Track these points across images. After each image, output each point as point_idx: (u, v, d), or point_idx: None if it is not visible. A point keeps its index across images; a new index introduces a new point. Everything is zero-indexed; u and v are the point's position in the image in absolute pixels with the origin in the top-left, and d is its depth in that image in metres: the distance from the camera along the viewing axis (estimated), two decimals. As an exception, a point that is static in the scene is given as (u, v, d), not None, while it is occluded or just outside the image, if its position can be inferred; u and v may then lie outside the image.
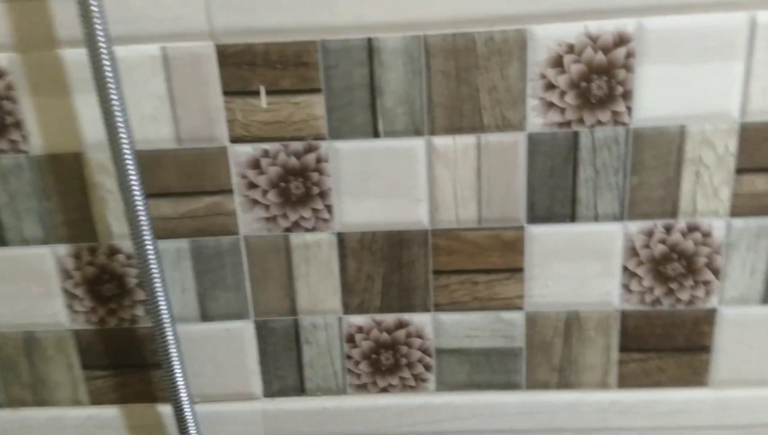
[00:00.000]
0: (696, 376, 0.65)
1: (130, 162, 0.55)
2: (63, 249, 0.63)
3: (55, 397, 0.68)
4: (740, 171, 0.58)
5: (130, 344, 0.66)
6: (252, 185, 0.61)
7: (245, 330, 0.66)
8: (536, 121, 0.57)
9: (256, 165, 0.60)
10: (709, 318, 0.63)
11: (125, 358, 0.67)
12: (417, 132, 0.58)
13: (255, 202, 0.61)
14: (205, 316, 0.65)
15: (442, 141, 0.58)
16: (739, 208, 0.59)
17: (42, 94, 0.58)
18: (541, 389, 0.67)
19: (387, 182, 0.60)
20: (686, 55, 0.55)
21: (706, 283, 0.61)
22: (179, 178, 0.61)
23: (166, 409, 0.69)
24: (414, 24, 0.55)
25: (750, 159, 0.57)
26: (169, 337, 0.61)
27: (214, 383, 0.68)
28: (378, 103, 0.58)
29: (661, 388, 0.66)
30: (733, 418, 0.66)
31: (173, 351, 0.62)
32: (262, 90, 0.58)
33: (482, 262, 0.62)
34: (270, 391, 0.68)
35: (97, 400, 0.68)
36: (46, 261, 0.63)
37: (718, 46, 0.54)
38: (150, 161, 0.60)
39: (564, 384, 0.66)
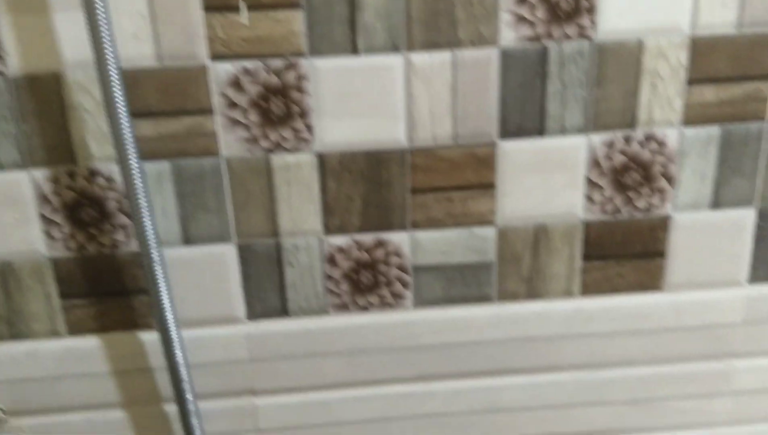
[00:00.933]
0: (652, 281, 0.70)
1: (116, 80, 0.55)
2: (41, 173, 0.62)
3: (32, 329, 0.67)
4: (691, 82, 0.63)
5: (110, 271, 0.66)
6: (233, 105, 0.62)
7: (228, 253, 0.67)
8: (509, 35, 0.61)
9: (236, 84, 0.61)
10: (663, 224, 0.68)
11: (105, 285, 0.67)
12: (395, 48, 0.61)
13: (236, 122, 0.62)
14: (188, 240, 0.66)
15: (419, 57, 0.61)
16: (691, 118, 0.64)
17: (19, 12, 0.57)
18: (511, 300, 0.71)
19: (366, 101, 0.62)
20: (644, -28, 0.59)
21: (661, 190, 0.67)
22: (160, 97, 0.61)
23: (147, 337, 0.69)
24: (393, -59, 0.57)
25: (700, 70, 0.62)
26: (155, 261, 0.62)
27: (197, 308, 0.68)
28: (357, 18, 0.60)
29: (620, 294, 0.71)
30: (687, 320, 0.72)
31: (159, 275, 0.62)
32: (243, 5, 0.59)
33: (457, 178, 0.66)
34: (253, 314, 0.69)
35: (75, 330, 0.68)
36: (22, 186, 0.62)
37: (672, -36, 0.59)
38: (130, 80, 0.60)
39: (532, 294, 0.70)
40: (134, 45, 0.59)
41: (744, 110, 0.64)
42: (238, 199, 0.65)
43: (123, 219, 0.65)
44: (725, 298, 0.71)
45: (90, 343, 0.68)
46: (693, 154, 0.65)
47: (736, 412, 0.75)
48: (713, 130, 0.65)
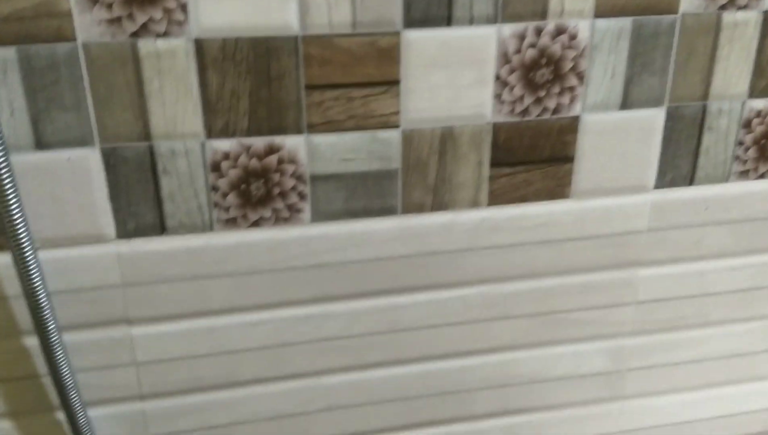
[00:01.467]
0: (560, 188, 0.67)
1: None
2: None
3: None
4: (605, -31, 0.59)
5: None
6: (89, -22, 0.52)
7: (90, 159, 0.57)
8: None
9: (92, -49, 0.51)
10: (572, 126, 0.65)
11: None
12: None
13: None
14: (41, 144, 0.56)
15: (312, -73, 0.53)
16: (602, 8, 0.60)
17: None
18: (416, 212, 0.66)
19: (251, -23, 0.54)
20: None
21: (571, 89, 0.63)
22: (-6, -36, 0.50)
23: (-4, 261, 0.59)
24: None
25: (614, -44, 0.58)
26: (2, 169, 0.52)
27: (57, 225, 0.59)
28: None
29: (527, 203, 0.67)
30: (593, 229, 0.70)
31: (9, 186, 0.52)
32: None
33: (358, 73, 0.59)
34: (125, 232, 0.60)
35: None
36: None
37: None
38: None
39: (438, 205, 0.66)
40: None
41: (656, 2, 0.61)
42: (100, 95, 0.55)
43: (-46, 116, 0.53)
44: (631, 205, 0.69)
45: None
46: (604, 48, 0.62)
47: (640, 322, 0.75)
48: (625, 23, 0.61)
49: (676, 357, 0.77)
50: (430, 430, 0.76)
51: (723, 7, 0.62)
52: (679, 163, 0.68)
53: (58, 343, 0.59)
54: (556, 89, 0.63)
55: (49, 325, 0.58)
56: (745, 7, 0.63)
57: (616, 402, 0.79)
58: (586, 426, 0.79)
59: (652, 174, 0.68)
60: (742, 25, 0.63)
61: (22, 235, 0.55)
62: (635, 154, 0.67)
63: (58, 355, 0.60)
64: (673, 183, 0.69)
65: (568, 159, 0.66)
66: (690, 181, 0.69)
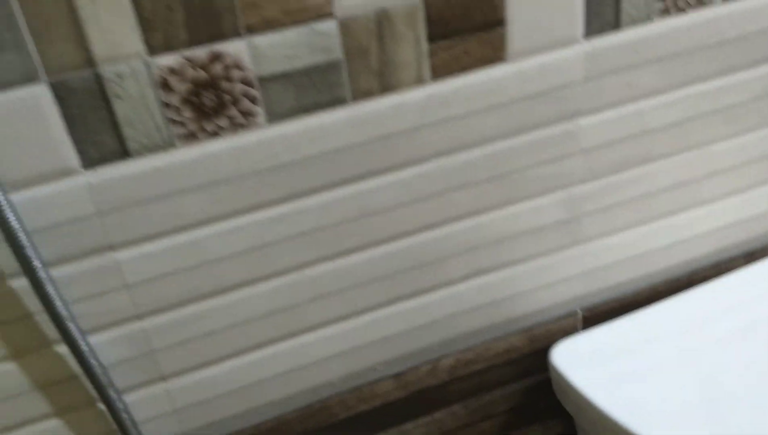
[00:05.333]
0: (496, 53, 0.70)
1: None
2: None
3: None
4: None
5: None
6: None
7: (40, 95, 0.58)
8: None
9: None
10: (500, -10, 0.67)
11: None
12: None
13: (9, -70, 0.52)
14: (-13, 87, 0.56)
15: None
16: None
17: None
18: (366, 98, 0.68)
19: None
20: None
21: (493, -47, 0.65)
22: None
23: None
24: None
25: None
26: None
27: (21, 165, 0.60)
28: None
29: (468, 72, 0.70)
30: (533, 87, 0.73)
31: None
32: None
33: (284, -32, 0.60)
34: (89, 162, 0.62)
35: None
36: None
37: None
38: None
39: (385, 88, 0.68)
40: None
41: None
42: (37, 29, 0.56)
43: None
44: (564, 58, 0.72)
45: None
46: None
47: (588, 169, 0.80)
48: None
49: (625, 195, 0.83)
50: (412, 301, 0.81)
51: None
52: (604, 9, 0.71)
53: (46, 279, 0.62)
54: (479, -45, 0.65)
55: (35, 263, 0.61)
56: None
57: (577, 246, 0.85)
58: (552, 272, 0.86)
59: (579, 24, 0.71)
60: None
61: (-10, 180, 0.56)
62: (561, 5, 0.70)
63: (49, 290, 0.62)
64: (601, 30, 0.72)
65: (500, 22, 0.69)
66: (617, 25, 0.72)
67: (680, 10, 0.74)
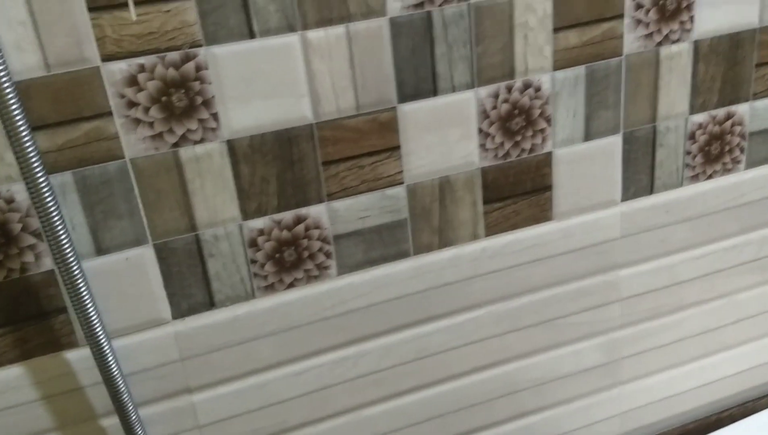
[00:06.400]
0: (543, 213, 0.78)
1: (11, 94, 0.52)
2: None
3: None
4: (557, 30, 0.70)
5: (23, 295, 0.62)
6: (132, 104, 0.60)
7: (145, 255, 0.65)
8: (394, 5, 0.64)
9: (133, 82, 0.59)
10: (547, 161, 0.76)
11: (20, 311, 0.63)
12: (291, 28, 0.62)
13: (137, 121, 0.60)
14: (101, 249, 0.63)
15: (315, 34, 0.63)
16: (559, 62, 0.71)
17: None
18: (426, 252, 0.75)
19: (268, 82, 0.63)
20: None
21: (541, 131, 0.74)
22: (52, 107, 0.58)
23: (72, 355, 0.66)
24: None
25: (563, 18, 0.70)
26: (76, 275, 0.59)
27: (122, 316, 0.66)
28: (250, 2, 0.60)
29: (518, 229, 0.78)
30: (576, 243, 0.80)
31: (84, 290, 0.60)
32: (130, 1, 0.57)
33: (365, 145, 0.68)
34: (179, 312, 0.68)
35: (-7, 365, 0.63)
36: None
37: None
38: (19, 93, 0.56)
39: (444, 243, 0.76)
40: (18, 56, 0.55)
41: (603, 49, 0.72)
42: (149, 200, 0.63)
43: (29, 239, 0.61)
44: (604, 217, 0.80)
45: (12, 372, 0.64)
46: (564, 94, 0.73)
47: (626, 316, 0.86)
48: (579, 71, 0.72)
49: (660, 340, 0.89)
50: (462, 440, 0.85)
51: (659, 44, 0.74)
52: (640, 177, 0.80)
53: (137, 421, 0.67)
54: (530, 133, 0.73)
55: (129, 407, 0.66)
56: (677, 40, 0.75)
57: (615, 388, 0.90)
58: (592, 413, 0.90)
59: (618, 189, 0.79)
60: (677, 56, 0.75)
61: (97, 331, 0.62)
62: (602, 175, 0.78)
63: (138, 431, 0.67)
64: (636, 194, 0.80)
65: (547, 188, 0.77)
66: (650, 190, 0.81)
67: (708, 177, 0.82)
